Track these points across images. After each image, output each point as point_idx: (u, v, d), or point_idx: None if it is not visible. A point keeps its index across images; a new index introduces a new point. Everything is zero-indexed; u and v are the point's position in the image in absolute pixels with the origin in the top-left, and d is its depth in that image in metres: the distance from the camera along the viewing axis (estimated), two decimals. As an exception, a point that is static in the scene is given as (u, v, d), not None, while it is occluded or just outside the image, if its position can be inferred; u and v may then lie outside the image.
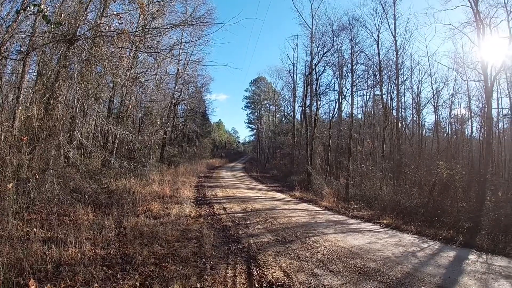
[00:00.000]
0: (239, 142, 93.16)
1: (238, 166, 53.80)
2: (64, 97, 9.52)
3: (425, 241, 8.58)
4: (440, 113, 25.80)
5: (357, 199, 15.68)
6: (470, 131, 25.89)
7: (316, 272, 6.12)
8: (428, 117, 55.26)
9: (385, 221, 10.81)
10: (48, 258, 5.27)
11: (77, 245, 6.14)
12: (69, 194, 9.09)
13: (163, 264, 5.98)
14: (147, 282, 5.14)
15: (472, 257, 7.18)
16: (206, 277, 5.68)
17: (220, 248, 7.48)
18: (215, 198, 15.50)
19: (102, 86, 12.26)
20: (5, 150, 7.54)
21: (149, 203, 11.43)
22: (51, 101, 9.12)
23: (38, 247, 5.63)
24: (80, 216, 8.13)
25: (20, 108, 8.97)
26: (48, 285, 4.46)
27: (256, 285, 5.55)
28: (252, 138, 76.61)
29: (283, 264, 6.51)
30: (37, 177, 8.16)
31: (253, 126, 69.51)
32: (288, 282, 5.63)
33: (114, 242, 6.88)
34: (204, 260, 6.52)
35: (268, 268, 6.29)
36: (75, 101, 9.73)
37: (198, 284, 5.38)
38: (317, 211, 13.38)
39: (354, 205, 14.48)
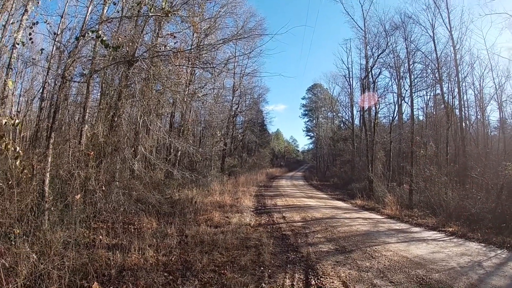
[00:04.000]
0: (298, 150, 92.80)
1: (298, 174, 53.66)
2: (127, 115, 10.16)
3: (492, 249, 8.08)
4: (505, 109, 23.90)
5: (421, 206, 15.07)
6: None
7: (376, 282, 6.02)
8: (493, 115, 51.10)
9: (450, 229, 10.31)
10: (112, 263, 5.63)
11: (140, 252, 6.49)
12: (134, 204, 9.63)
13: (222, 271, 6.16)
14: None
15: None
16: (263, 285, 5.80)
17: (278, 256, 7.55)
18: (274, 207, 15.62)
19: (163, 103, 12.77)
20: (73, 165, 8.20)
21: (210, 212, 11.77)
22: (115, 119, 9.75)
23: (103, 253, 6.02)
24: (144, 224, 8.60)
25: (86, 125, 9.75)
26: None
27: (314, 295, 5.62)
28: (311, 146, 75.95)
29: (342, 274, 6.46)
30: (103, 188, 8.75)
31: (312, 134, 68.98)
32: (347, 293, 5.65)
33: (175, 249, 7.18)
34: (262, 268, 6.63)
35: (327, 278, 6.27)
36: (138, 117, 10.32)
37: None
38: (378, 220, 13.04)
39: (418, 213, 13.93)
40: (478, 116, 24.82)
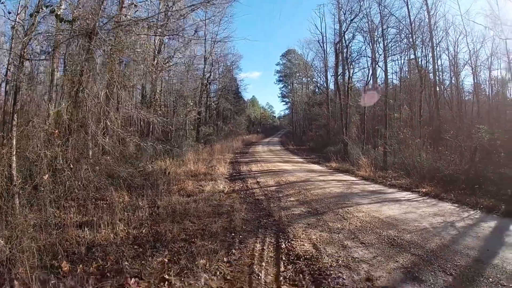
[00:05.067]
0: (274, 116, 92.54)
1: (274, 140, 53.73)
2: (91, 90, 9.66)
3: (465, 210, 8.01)
4: (479, 74, 23.99)
5: (395, 167, 15.14)
6: (511, 92, 24.12)
7: (346, 244, 5.93)
8: (467, 80, 51.56)
9: (423, 190, 10.29)
10: (81, 241, 5.42)
11: (110, 227, 6.28)
12: (105, 180, 9.37)
13: (193, 240, 6.00)
14: (175, 258, 5.17)
15: None
16: (234, 251, 5.67)
17: (250, 222, 7.45)
18: (249, 173, 15.48)
19: (129, 75, 12.38)
20: (39, 145, 7.80)
21: (183, 182, 11.54)
22: (79, 94, 9.31)
23: (73, 231, 5.80)
24: (115, 199, 8.30)
25: (48, 104, 9.45)
26: (81, 265, 4.55)
27: (284, 258, 5.45)
28: (287, 111, 75.64)
29: (313, 237, 6.38)
30: (71, 166, 8.42)
31: (287, 100, 68.59)
32: (317, 255, 5.48)
33: (146, 221, 7.00)
34: (233, 234, 6.52)
35: (297, 241, 6.18)
36: (100, 92, 9.86)
37: (225, 258, 5.36)
38: (353, 181, 13.05)
39: (392, 174, 13.97)
40: (453, 81, 24.89)
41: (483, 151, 11.25)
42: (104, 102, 10.06)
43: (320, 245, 5.90)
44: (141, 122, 17.05)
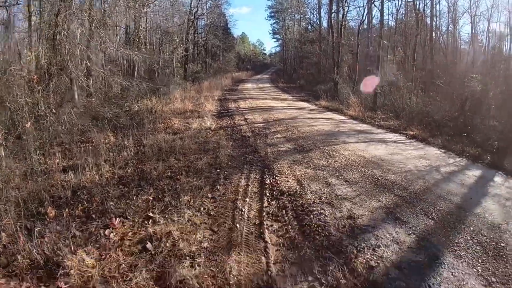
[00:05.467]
0: (265, 53, 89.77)
1: (264, 78, 52.74)
2: (68, 30, 9.06)
3: (451, 156, 7.90)
4: (477, 25, 23.38)
5: (385, 109, 14.96)
6: (508, 47, 23.47)
7: (330, 181, 5.92)
8: (465, 29, 50.15)
9: (411, 132, 10.19)
10: (67, 185, 5.29)
11: (95, 169, 6.15)
12: (90, 122, 9.16)
13: (178, 177, 5.95)
14: (159, 196, 5.15)
15: (498, 179, 6.40)
16: (218, 187, 5.66)
17: (236, 158, 7.39)
18: (237, 110, 15.19)
19: (109, 13, 11.78)
20: (19, 93, 7.54)
21: (170, 120, 11.32)
22: (57, 37, 8.85)
23: (59, 176, 5.63)
24: (101, 141, 8.10)
25: (25, 50, 9.07)
26: (67, 210, 4.49)
27: (267, 194, 5.44)
28: (278, 49, 73.03)
29: (298, 173, 6.35)
30: (54, 111, 8.29)
31: (278, 37, 66.03)
32: (300, 191, 5.47)
33: (132, 161, 6.92)
34: (218, 170, 6.48)
35: (282, 177, 6.15)
36: (78, 32, 9.27)
37: (209, 194, 5.36)
38: (341, 120, 12.93)
39: (381, 115, 13.82)
40: (450, 28, 24.18)
41: (474, 101, 11.10)
42: (84, 43, 9.65)
43: (304, 182, 5.87)
44: (126, 62, 16.50)
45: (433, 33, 22.55)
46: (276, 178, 6.10)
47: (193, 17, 29.16)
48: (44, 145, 7.19)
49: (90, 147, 7.53)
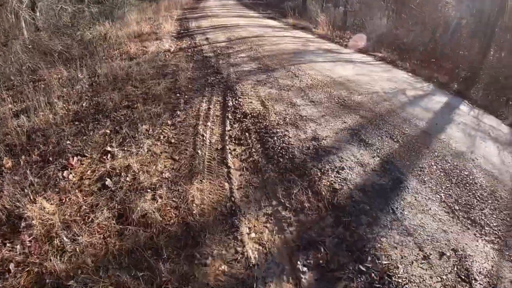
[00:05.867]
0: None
1: (229, -7, 50.03)
2: None
3: (419, 81, 7.75)
4: None
5: (355, 29, 14.50)
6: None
7: (295, 102, 5.74)
8: None
9: (380, 54, 9.92)
10: (21, 130, 4.83)
11: (48, 107, 5.64)
12: (39, 58, 8.31)
13: (135, 106, 5.59)
14: (117, 128, 4.83)
15: (464, 108, 6.40)
16: (178, 112, 5.39)
17: (197, 81, 6.99)
18: (198, 29, 14.19)
19: None
20: None
21: (125, 45, 10.39)
22: None
23: (12, 123, 5.09)
24: (52, 76, 7.37)
25: None
26: (23, 157, 4.16)
27: (230, 117, 5.21)
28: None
29: (262, 94, 6.10)
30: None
31: None
32: (264, 113, 5.27)
33: (87, 93, 6.40)
34: (178, 95, 6.15)
35: (245, 98, 5.91)
36: None
37: (169, 121, 5.10)
38: (308, 39, 12.37)
39: (351, 35, 13.38)
40: None
41: (446, 28, 10.83)
42: None
43: (268, 103, 5.66)
44: None
45: None
46: (239, 99, 5.85)
47: None
48: None
49: (42, 86, 6.90)
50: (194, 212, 3.19)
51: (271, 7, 26.04)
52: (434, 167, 3.98)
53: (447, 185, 3.66)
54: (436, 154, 4.28)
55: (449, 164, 4.07)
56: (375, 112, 5.45)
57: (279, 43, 10.73)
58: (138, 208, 3.14)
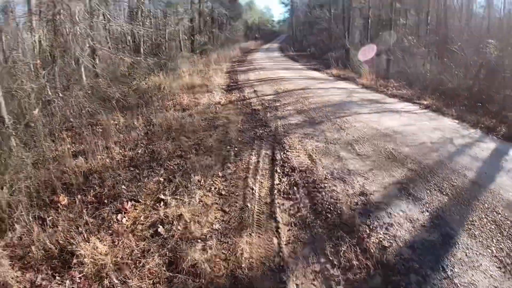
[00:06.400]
0: (273, 21, 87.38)
1: (274, 46, 51.73)
2: (68, 9, 8.82)
3: (466, 128, 7.64)
4: None
5: (398, 77, 14.57)
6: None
7: (342, 155, 5.84)
8: None
9: (425, 102, 9.91)
10: (78, 170, 5.28)
11: (106, 152, 6.16)
12: (98, 103, 8.99)
13: (188, 156, 5.92)
14: (170, 177, 5.14)
15: None
16: (229, 165, 5.63)
17: (246, 133, 7.30)
18: (247, 82, 14.90)
19: None
20: (24, 80, 7.36)
21: (179, 96, 11.10)
22: (57, 17, 8.55)
23: (70, 163, 5.60)
24: (110, 122, 8.05)
25: (26, 34, 8.99)
26: (79, 196, 4.52)
27: (278, 170, 5.39)
28: (286, 15, 71.68)
29: (309, 147, 6.27)
30: (61, 95, 8.17)
31: (286, 2, 64.76)
32: (311, 167, 5.42)
33: (142, 141, 6.90)
34: (228, 147, 6.43)
35: (293, 152, 6.09)
36: (77, 11, 9.03)
37: (219, 173, 5.35)
38: (353, 89, 12.59)
39: (394, 84, 13.45)
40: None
41: (489, 68, 10.66)
42: (86, 22, 9.38)
43: (316, 156, 5.81)
44: (131, 38, 16.23)
45: (448, -6, 21.47)
46: (287, 153, 6.03)
47: (196, -15, 28.39)
48: (54, 131, 7.15)
49: (100, 130, 7.51)
50: (242, 265, 3.30)
51: (315, 58, 26.76)
52: (485, 219, 3.90)
53: (498, 238, 3.59)
54: (486, 205, 4.19)
55: (499, 216, 3.97)
56: (423, 164, 5.43)
57: (324, 95, 11.02)
58: (189, 258, 3.29)
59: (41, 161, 5.65)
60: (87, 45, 9.44)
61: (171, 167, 5.54)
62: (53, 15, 8.52)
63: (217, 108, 9.62)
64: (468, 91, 10.39)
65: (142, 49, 16.35)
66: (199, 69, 17.90)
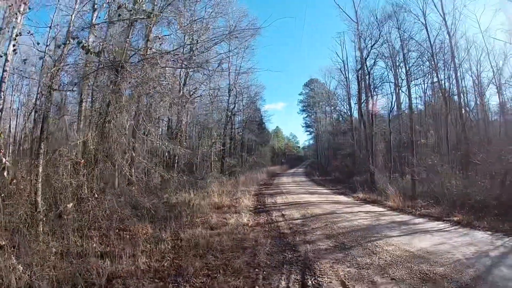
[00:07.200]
0: (298, 147, 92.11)
1: (299, 171, 53.30)
2: (116, 121, 9.92)
3: (499, 237, 7.59)
4: (504, 93, 22.99)
5: (424, 196, 14.61)
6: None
7: (376, 280, 5.72)
8: (492, 99, 49.19)
9: (455, 218, 9.87)
10: (102, 272, 5.37)
11: (132, 258, 6.26)
12: (129, 210, 9.43)
13: (215, 275, 5.91)
14: None
15: None
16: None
17: (275, 257, 7.26)
18: (274, 205, 15.23)
19: (155, 107, 12.63)
20: (65, 174, 7.99)
21: (207, 214, 11.43)
22: (106, 125, 9.51)
23: (95, 262, 5.76)
24: (138, 230, 8.32)
25: (76, 134, 9.66)
26: None
27: (310, 297, 5.30)
28: (311, 141, 75.25)
29: (341, 273, 6.16)
30: (96, 196, 8.56)
31: (311, 129, 68.38)
32: (345, 294, 5.31)
33: (169, 254, 6.96)
34: (257, 270, 6.37)
35: (324, 277, 5.98)
36: (126, 123, 10.08)
37: None
38: (380, 212, 12.66)
39: (421, 203, 13.48)
40: (478, 102, 24.21)
41: (514, 175, 10.82)
42: (130, 134, 10.28)
43: (348, 282, 5.68)
44: (167, 154, 17.38)
45: (462, 110, 22.43)
46: (318, 278, 5.93)
47: (230, 113, 31.13)
48: (83, 228, 7.37)
49: (127, 236, 7.67)
50: None
51: (340, 182, 27.25)
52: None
53: None
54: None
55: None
56: (460, 282, 5.29)
57: (352, 219, 11.08)
58: None
59: (66, 253, 5.74)
60: (127, 155, 10.06)
61: (198, 284, 5.50)
62: (103, 122, 9.34)
63: (245, 229, 9.71)
64: (497, 200, 10.36)
65: (176, 166, 17.25)
66: (228, 190, 18.34)
